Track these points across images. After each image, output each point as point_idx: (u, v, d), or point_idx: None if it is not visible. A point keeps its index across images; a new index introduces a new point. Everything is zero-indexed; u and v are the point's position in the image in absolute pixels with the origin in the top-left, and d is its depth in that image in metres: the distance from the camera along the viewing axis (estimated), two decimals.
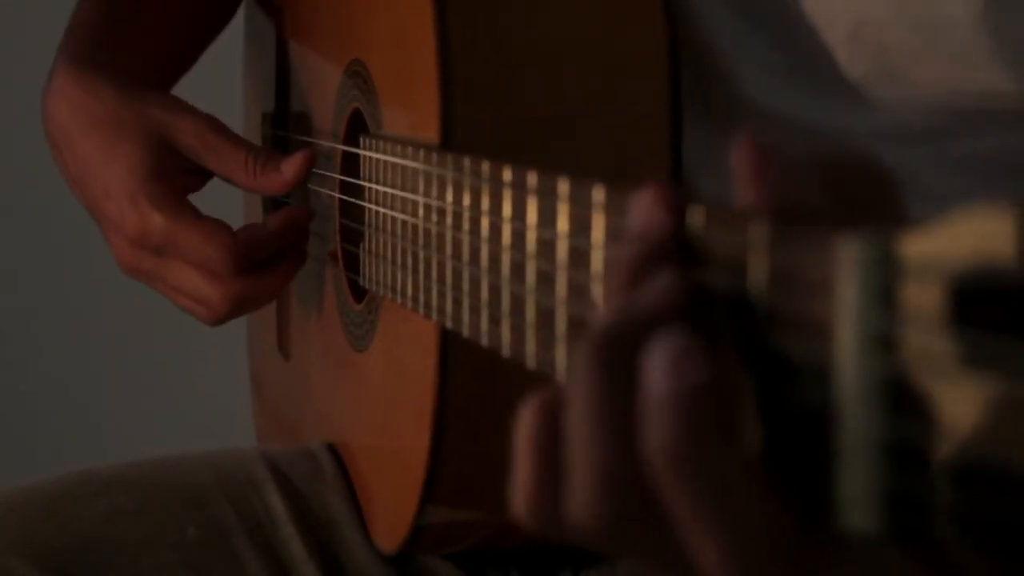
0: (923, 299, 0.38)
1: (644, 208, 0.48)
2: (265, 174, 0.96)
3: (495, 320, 0.63)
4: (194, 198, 0.97)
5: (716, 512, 0.43)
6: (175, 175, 0.95)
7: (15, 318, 2.08)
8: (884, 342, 0.39)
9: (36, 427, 2.08)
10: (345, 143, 0.93)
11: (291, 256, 0.98)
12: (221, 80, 1.22)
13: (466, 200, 0.67)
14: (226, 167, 0.96)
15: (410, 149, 0.77)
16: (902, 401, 0.39)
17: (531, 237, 0.59)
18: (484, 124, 0.77)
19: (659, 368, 0.43)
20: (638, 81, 0.78)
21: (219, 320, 0.97)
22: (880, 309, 0.39)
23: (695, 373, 0.43)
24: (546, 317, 0.57)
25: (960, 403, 0.37)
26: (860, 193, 0.44)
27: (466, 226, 0.67)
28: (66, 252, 1.99)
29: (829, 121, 0.81)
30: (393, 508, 0.86)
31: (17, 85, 1.58)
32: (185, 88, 1.05)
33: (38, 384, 2.08)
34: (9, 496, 0.92)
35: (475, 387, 0.78)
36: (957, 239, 0.37)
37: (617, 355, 0.45)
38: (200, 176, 0.98)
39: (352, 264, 0.92)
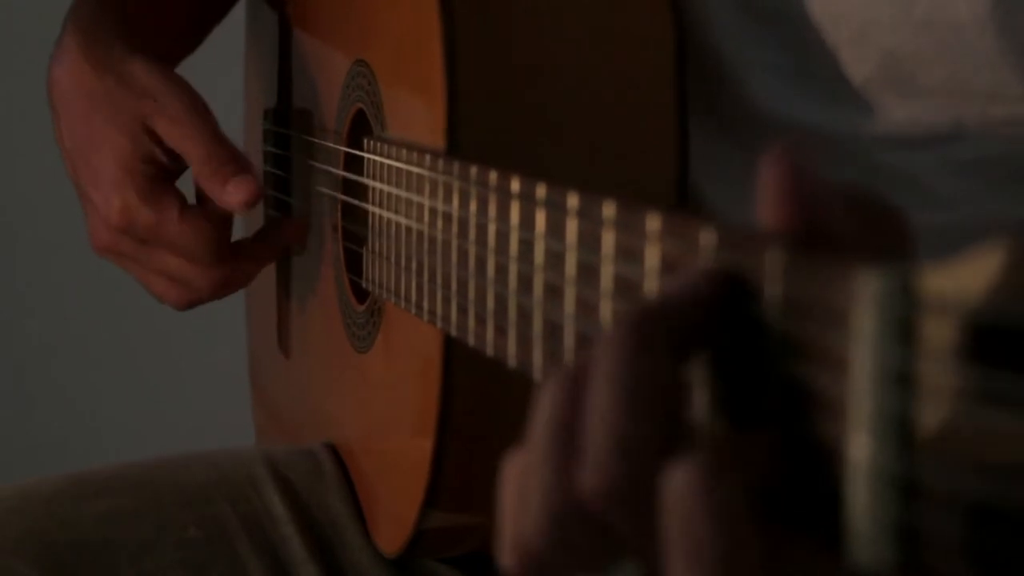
0: (940, 335, 0.37)
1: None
2: (213, 179, 0.92)
3: (501, 331, 0.63)
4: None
5: None
6: (159, 157, 0.94)
7: (15, 318, 2.07)
8: (900, 376, 0.39)
9: (36, 427, 2.07)
10: (348, 143, 0.92)
11: (271, 239, 0.98)
12: (222, 75, 1.22)
13: (472, 208, 0.67)
14: (186, 152, 0.93)
15: (415, 154, 0.76)
16: (916, 435, 0.38)
17: (539, 248, 0.59)
18: (490, 129, 0.77)
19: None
20: (646, 87, 0.78)
21: (194, 304, 0.97)
22: (897, 343, 0.39)
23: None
24: (553, 331, 0.57)
25: (975, 440, 0.37)
26: (877, 227, 0.44)
27: (472, 234, 0.67)
28: (66, 252, 1.99)
29: (834, 124, 0.81)
30: (395, 511, 0.86)
31: (17, 85, 1.57)
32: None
33: (38, 384, 2.07)
34: (9, 496, 0.92)
35: (479, 390, 0.78)
36: (976, 275, 0.37)
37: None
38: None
39: (354, 264, 0.92)
